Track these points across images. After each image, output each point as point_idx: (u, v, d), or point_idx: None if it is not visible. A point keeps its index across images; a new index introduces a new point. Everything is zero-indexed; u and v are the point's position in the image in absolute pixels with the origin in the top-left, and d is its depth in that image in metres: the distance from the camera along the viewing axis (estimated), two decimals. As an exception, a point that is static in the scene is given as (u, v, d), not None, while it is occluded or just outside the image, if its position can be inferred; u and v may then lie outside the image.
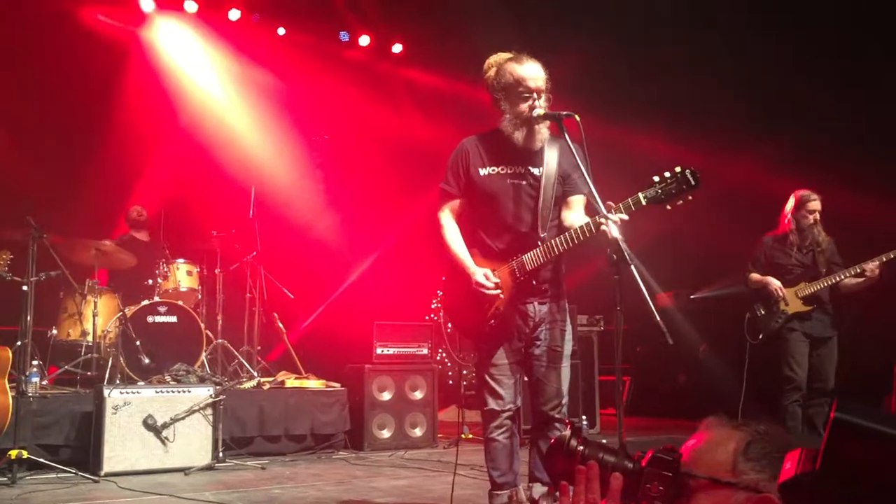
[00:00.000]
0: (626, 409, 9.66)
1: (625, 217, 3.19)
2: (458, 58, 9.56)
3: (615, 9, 8.42)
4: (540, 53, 3.67)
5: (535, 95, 3.52)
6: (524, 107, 3.54)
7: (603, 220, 3.17)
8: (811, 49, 7.92)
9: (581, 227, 3.38)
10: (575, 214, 3.67)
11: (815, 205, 5.87)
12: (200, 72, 9.44)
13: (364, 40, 10.11)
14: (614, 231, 3.09)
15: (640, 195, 3.21)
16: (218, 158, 8.92)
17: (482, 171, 3.69)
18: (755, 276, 6.06)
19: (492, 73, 3.67)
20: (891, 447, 0.60)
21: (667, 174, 3.17)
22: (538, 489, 3.69)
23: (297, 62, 9.57)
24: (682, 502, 1.34)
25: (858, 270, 5.66)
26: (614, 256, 2.97)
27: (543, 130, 3.58)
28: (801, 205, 5.90)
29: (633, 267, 2.89)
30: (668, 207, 3.18)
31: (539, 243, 3.55)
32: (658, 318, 2.77)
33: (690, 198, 3.16)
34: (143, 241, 7.80)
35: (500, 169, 3.68)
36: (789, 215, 5.96)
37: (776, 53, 8.14)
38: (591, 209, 3.56)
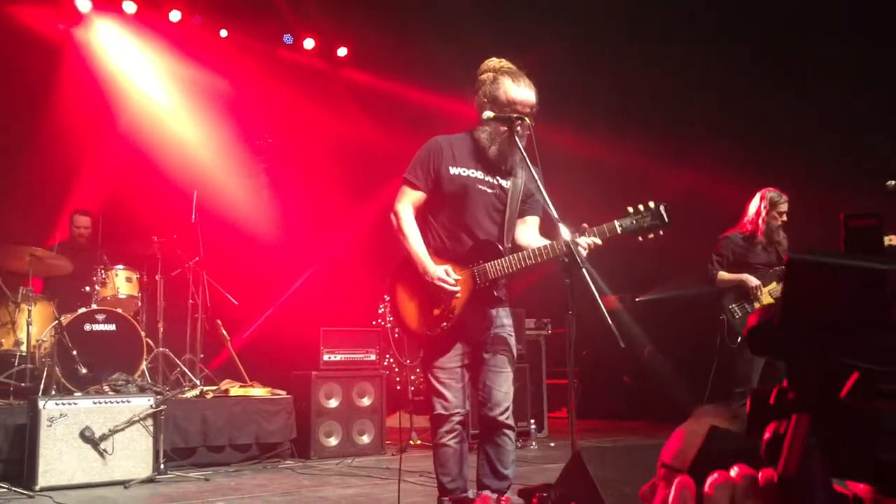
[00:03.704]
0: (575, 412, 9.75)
1: (598, 241, 3.22)
2: (404, 61, 9.54)
3: (561, 13, 8.48)
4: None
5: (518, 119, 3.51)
6: (505, 128, 3.53)
7: (574, 241, 3.18)
8: (759, 54, 8.08)
9: (552, 245, 3.37)
10: (530, 233, 3.70)
11: (785, 206, 5.82)
12: (140, 74, 9.22)
13: (308, 43, 10.02)
14: (583, 254, 3.12)
15: (616, 224, 3.26)
16: (159, 162, 8.70)
17: (453, 171, 3.64)
18: (725, 274, 5.93)
19: (487, 78, 3.62)
20: (846, 276, 0.63)
21: (641, 207, 3.24)
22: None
23: (240, 65, 9.44)
24: None
25: None
26: (566, 260, 2.96)
27: (517, 148, 3.56)
28: (771, 206, 5.82)
29: (584, 271, 2.88)
30: (640, 239, 3.23)
31: (503, 253, 3.52)
32: (610, 322, 2.76)
33: (661, 233, 3.21)
34: (81, 246, 7.56)
35: (471, 172, 3.64)
36: (762, 215, 5.85)
37: (727, 59, 8.27)
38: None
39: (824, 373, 0.62)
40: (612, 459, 2.71)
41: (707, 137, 8.36)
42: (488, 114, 3.46)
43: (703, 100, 8.46)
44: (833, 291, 0.63)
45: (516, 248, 3.61)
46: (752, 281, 5.81)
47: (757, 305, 5.77)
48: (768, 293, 5.81)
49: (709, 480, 0.62)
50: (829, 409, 0.61)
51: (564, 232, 3.10)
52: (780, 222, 5.86)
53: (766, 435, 0.64)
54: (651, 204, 3.22)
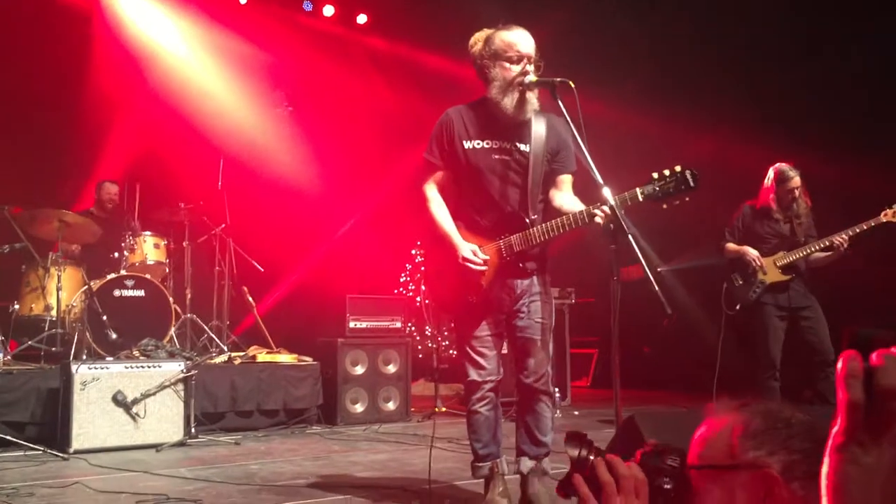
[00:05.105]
0: (594, 382, 9.78)
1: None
2: (423, 27, 9.45)
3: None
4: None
5: (525, 60, 3.43)
6: (516, 70, 3.43)
7: (598, 211, 3.14)
8: (778, 21, 7.97)
9: (575, 215, 3.33)
10: (564, 195, 3.61)
11: (794, 182, 5.74)
12: (164, 40, 9.20)
13: (328, 10, 9.94)
14: (624, 216, 3.05)
15: (638, 191, 3.13)
16: (185, 128, 8.69)
17: (467, 145, 3.59)
18: (731, 245, 5.95)
19: (479, 45, 3.56)
20: None
21: (666, 172, 3.09)
22: (526, 463, 3.68)
23: (260, 31, 9.38)
24: (690, 495, 1.32)
25: (827, 244, 5.62)
26: (611, 226, 2.93)
27: (534, 100, 3.48)
28: (780, 182, 5.78)
29: (630, 237, 2.85)
30: (664, 206, 3.10)
31: (528, 225, 3.49)
32: (657, 289, 2.73)
33: (687, 199, 3.10)
34: (109, 214, 7.58)
35: (485, 143, 3.58)
36: (771, 191, 5.83)
37: (745, 26, 8.16)
38: (583, 183, 3.49)
39: None
40: (665, 424, 2.72)
41: (733, 104, 8.25)
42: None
43: (729, 65, 8.35)
44: None
45: (551, 211, 3.57)
46: (750, 253, 5.82)
47: (760, 275, 5.78)
48: (773, 262, 5.78)
49: (875, 354, 0.64)
50: None
51: (608, 196, 3.02)
52: (791, 197, 5.77)
53: None
54: (677, 168, 3.08)
